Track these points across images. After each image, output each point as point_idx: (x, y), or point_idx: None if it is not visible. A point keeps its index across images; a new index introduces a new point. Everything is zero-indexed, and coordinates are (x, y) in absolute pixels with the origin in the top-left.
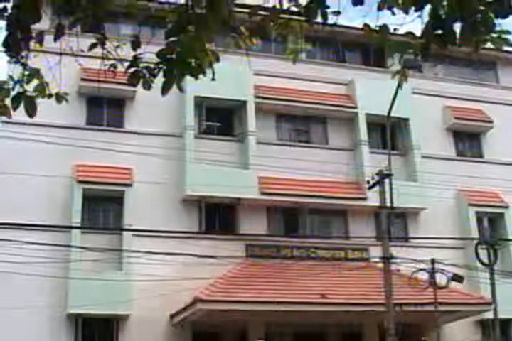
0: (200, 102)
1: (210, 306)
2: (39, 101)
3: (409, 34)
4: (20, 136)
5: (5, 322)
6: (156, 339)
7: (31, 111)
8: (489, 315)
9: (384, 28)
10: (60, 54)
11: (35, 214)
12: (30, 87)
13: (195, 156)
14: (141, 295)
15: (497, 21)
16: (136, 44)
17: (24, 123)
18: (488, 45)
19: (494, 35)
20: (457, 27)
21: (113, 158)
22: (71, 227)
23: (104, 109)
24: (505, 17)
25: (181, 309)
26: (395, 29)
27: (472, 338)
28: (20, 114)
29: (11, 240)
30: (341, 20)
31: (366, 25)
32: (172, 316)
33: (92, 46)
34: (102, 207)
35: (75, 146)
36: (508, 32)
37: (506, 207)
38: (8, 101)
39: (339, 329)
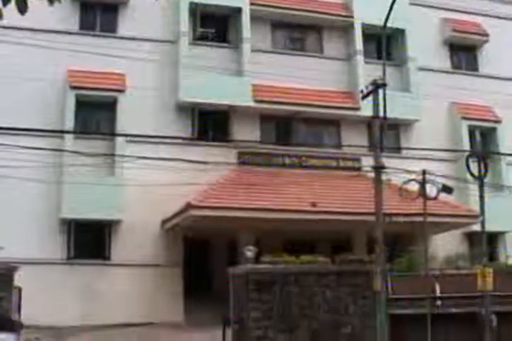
0: (194, 8)
1: (202, 212)
2: (33, 3)
3: None
4: (14, 40)
5: None
6: (147, 245)
7: (22, 8)
8: (477, 227)
9: None
10: None
11: (28, 118)
12: None
13: (189, 63)
14: (133, 201)
15: None
16: None
17: (18, 28)
18: None
19: None
20: None
21: (106, 64)
22: (63, 132)
23: (98, 14)
24: None
25: (173, 215)
26: None
27: (459, 250)
28: (13, 18)
29: (3, 144)
30: None
31: None
32: (164, 222)
33: None
34: (95, 112)
35: (68, 51)
36: None
37: (499, 122)
38: None
39: (329, 237)
